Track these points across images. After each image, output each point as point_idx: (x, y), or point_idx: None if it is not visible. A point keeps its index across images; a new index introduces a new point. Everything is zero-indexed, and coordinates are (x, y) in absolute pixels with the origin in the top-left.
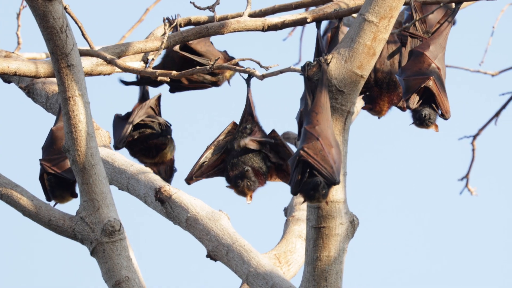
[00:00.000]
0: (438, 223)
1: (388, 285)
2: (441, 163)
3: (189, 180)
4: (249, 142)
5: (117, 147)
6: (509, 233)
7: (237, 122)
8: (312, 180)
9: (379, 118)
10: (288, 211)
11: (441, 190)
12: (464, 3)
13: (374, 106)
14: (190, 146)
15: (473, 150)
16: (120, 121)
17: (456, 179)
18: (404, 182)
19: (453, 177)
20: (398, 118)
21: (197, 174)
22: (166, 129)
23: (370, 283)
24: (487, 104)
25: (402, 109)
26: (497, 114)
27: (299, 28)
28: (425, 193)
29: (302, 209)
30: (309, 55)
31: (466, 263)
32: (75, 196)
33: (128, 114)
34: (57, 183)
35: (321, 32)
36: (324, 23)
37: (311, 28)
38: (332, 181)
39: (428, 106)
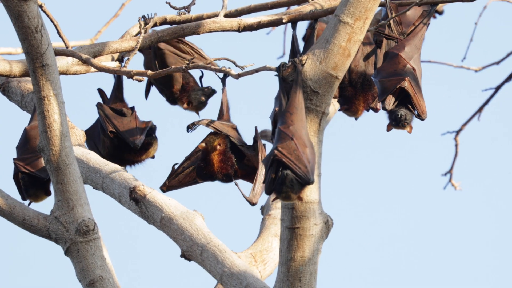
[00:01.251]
0: (421, 219)
1: (363, 286)
2: (425, 159)
3: (164, 186)
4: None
5: (137, 146)
6: (493, 227)
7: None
8: (280, 175)
9: (356, 119)
10: (264, 209)
11: (425, 185)
12: None
13: (350, 107)
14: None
15: (456, 145)
16: (120, 116)
17: (439, 174)
18: (386, 179)
19: (436, 172)
20: (379, 116)
21: (172, 183)
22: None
23: (344, 283)
24: (470, 99)
25: (375, 110)
26: (480, 109)
27: None
28: (408, 189)
29: (278, 207)
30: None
31: (450, 258)
32: (49, 194)
33: (121, 111)
34: (31, 182)
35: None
36: (301, 24)
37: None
38: (306, 180)
39: (404, 107)
